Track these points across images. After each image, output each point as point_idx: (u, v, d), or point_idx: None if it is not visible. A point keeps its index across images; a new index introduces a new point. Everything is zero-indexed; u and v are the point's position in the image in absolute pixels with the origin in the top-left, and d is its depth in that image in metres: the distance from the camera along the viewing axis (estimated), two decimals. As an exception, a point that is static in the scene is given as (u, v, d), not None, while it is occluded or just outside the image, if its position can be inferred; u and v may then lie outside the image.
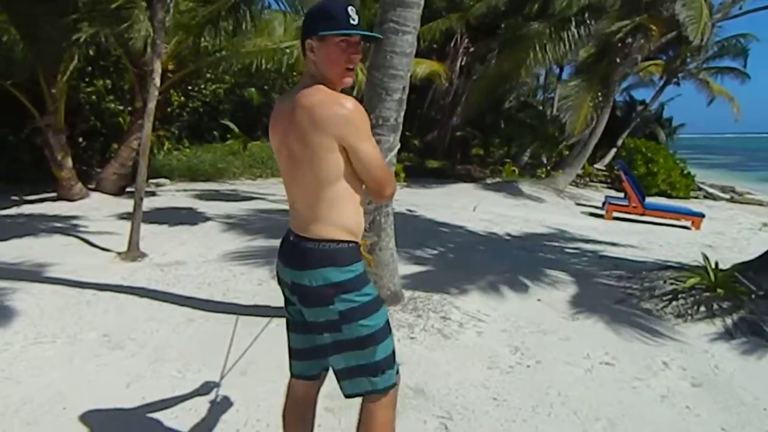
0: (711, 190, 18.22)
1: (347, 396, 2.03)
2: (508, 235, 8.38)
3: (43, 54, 8.30)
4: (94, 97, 11.56)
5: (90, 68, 11.11)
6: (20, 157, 10.45)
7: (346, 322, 1.91)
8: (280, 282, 2.11)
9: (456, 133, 17.42)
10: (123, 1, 7.30)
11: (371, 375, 1.97)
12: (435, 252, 6.72)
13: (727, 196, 17.77)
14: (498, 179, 16.02)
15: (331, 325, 1.93)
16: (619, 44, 14.01)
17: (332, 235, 1.92)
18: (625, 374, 3.69)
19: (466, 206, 11.09)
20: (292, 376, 2.23)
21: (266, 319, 4.17)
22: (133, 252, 5.96)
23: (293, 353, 2.20)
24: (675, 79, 19.65)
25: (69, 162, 9.20)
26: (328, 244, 1.91)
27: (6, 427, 2.75)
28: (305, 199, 1.95)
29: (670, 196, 15.74)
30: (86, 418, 2.83)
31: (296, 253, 1.95)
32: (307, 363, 2.17)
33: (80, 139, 11.47)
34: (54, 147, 8.93)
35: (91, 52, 9.63)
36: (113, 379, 3.28)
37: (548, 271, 5.94)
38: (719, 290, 4.85)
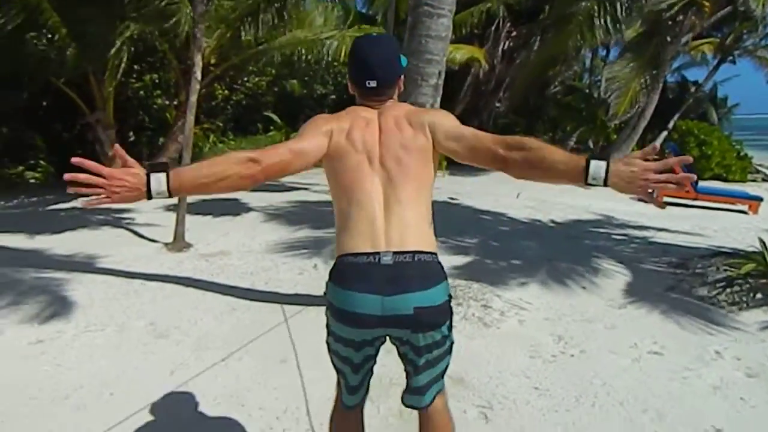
0: (770, 172, 17.37)
1: (424, 407, 1.93)
2: (552, 222, 8.20)
3: (92, 53, 8.55)
4: (141, 92, 11.86)
5: (137, 64, 11.39)
6: (73, 152, 10.78)
7: (450, 334, 1.87)
8: (363, 324, 1.76)
9: (499, 120, 17.14)
10: (167, -2, 7.44)
11: (442, 377, 1.94)
12: (476, 240, 6.63)
13: (788, 178, 16.90)
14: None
15: (440, 342, 1.83)
16: (670, 22, 13.44)
17: (434, 244, 1.84)
18: (675, 364, 3.55)
19: (509, 193, 10.90)
20: (348, 409, 2.02)
21: (307, 308, 4.20)
22: (179, 243, 6.11)
23: (351, 390, 1.97)
24: (730, 58, 18.73)
25: (118, 156, 9.47)
26: (436, 255, 1.82)
27: (56, 412, 2.85)
28: (417, 209, 1.79)
29: (725, 180, 15.10)
30: (132, 404, 2.91)
31: (417, 271, 1.73)
32: (362, 393, 2.02)
33: (129, 134, 11.80)
34: (104, 142, 9.23)
35: (136, 49, 9.87)
36: (159, 367, 3.36)
37: (594, 259, 5.78)
38: (777, 277, 4.62)
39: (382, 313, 1.72)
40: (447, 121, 1.89)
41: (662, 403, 3.08)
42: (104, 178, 1.58)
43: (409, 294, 1.71)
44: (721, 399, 3.17)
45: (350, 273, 1.75)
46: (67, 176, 1.56)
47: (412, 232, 1.77)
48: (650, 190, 1.64)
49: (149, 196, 1.60)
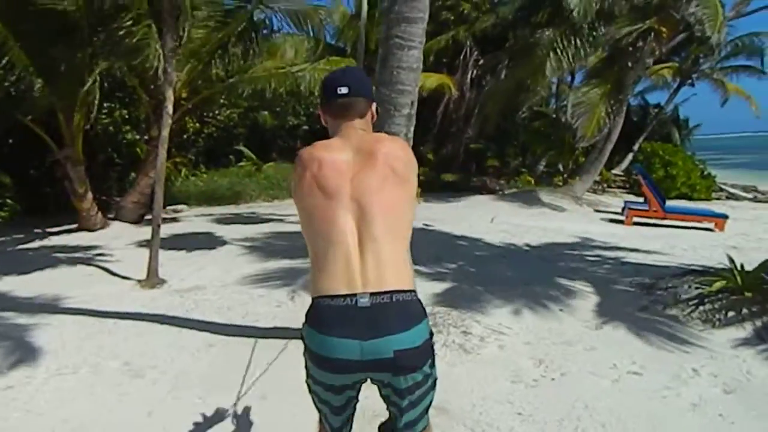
0: (733, 191, 17.88)
1: None
2: (527, 245, 8.29)
3: (61, 89, 8.46)
4: (111, 128, 11.72)
5: (106, 100, 11.30)
6: (41, 190, 10.64)
7: (433, 371, 1.83)
8: (342, 369, 1.73)
9: (470, 146, 17.38)
10: (137, 35, 7.43)
11: (427, 412, 1.91)
12: (453, 266, 6.66)
13: (750, 196, 17.42)
14: (514, 189, 15.92)
15: (422, 382, 1.79)
16: (630, 48, 13.90)
17: (412, 281, 1.81)
18: (654, 383, 3.59)
19: (483, 218, 11.01)
20: None
21: (285, 341, 4.15)
22: (152, 279, 6.00)
23: (336, 430, 1.95)
24: (689, 80, 19.42)
25: (88, 193, 9.33)
26: (415, 293, 1.79)
27: (29, 460, 2.75)
28: (393, 246, 1.77)
29: (691, 199, 15.50)
30: (108, 448, 2.83)
31: (395, 312, 1.69)
32: (347, 430, 1.99)
33: (98, 170, 11.64)
34: (73, 179, 9.07)
35: (106, 84, 9.81)
36: (135, 408, 3.28)
37: (570, 281, 5.85)
38: (747, 293, 4.73)
39: (360, 357, 1.68)
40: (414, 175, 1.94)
41: (643, 423, 3.10)
42: None
43: (388, 337, 1.68)
44: (700, 416, 3.21)
45: (327, 316, 1.72)
46: None
47: (389, 270, 1.74)
48: None
49: None
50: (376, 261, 1.73)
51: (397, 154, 1.90)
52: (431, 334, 1.81)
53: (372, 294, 1.69)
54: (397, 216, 1.83)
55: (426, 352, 1.78)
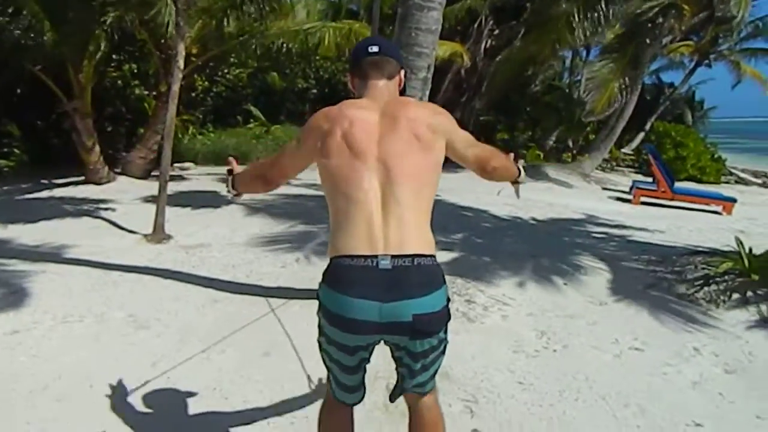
0: (743, 175, 17.76)
1: (418, 409, 1.94)
2: (534, 219, 8.26)
3: (70, 38, 8.36)
4: (119, 81, 11.64)
5: (116, 53, 11.18)
6: (49, 141, 10.61)
7: (446, 336, 1.84)
8: (359, 330, 1.72)
9: (480, 118, 17.21)
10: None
11: (436, 374, 1.93)
12: (458, 236, 6.64)
13: (760, 181, 17.31)
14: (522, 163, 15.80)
15: (436, 346, 1.80)
16: (649, 24, 13.64)
17: (434, 246, 1.79)
18: (656, 360, 3.60)
19: (491, 190, 10.95)
20: (347, 405, 2.00)
21: (289, 301, 4.17)
22: (158, 234, 6.01)
23: (349, 389, 1.94)
24: (706, 61, 19.08)
25: (96, 146, 9.31)
26: (435, 258, 1.78)
27: (36, 402, 2.79)
28: (416, 210, 1.76)
29: (700, 181, 15.40)
30: (113, 395, 2.86)
31: (416, 277, 1.69)
32: (360, 393, 2.00)
33: (106, 124, 11.58)
34: (81, 131, 9.03)
35: (116, 37, 9.69)
36: (140, 358, 3.31)
37: (575, 256, 5.83)
38: (753, 276, 4.71)
39: (379, 319, 1.67)
40: (450, 125, 1.94)
41: (643, 397, 3.12)
42: None
43: (408, 301, 1.67)
44: (700, 394, 3.22)
45: (346, 276, 1.70)
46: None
47: (412, 234, 1.72)
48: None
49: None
50: (399, 224, 1.71)
51: (422, 119, 1.86)
52: (448, 300, 1.81)
53: (393, 256, 1.67)
54: (422, 182, 1.80)
55: (443, 318, 1.78)
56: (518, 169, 2.23)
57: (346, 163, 1.78)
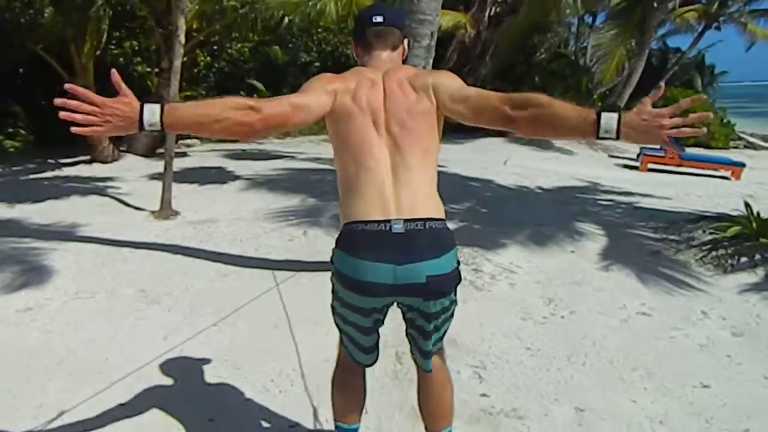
0: (752, 140, 17.55)
1: (428, 370, 1.97)
2: (540, 188, 8.23)
3: (71, 15, 8.30)
4: (121, 59, 11.55)
5: (116, 31, 11.08)
6: (54, 121, 10.55)
7: (456, 299, 1.87)
8: (375, 293, 1.74)
9: (486, 87, 17.00)
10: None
11: (443, 337, 1.96)
12: (465, 206, 6.64)
13: (769, 146, 17.12)
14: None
15: (448, 307, 1.84)
16: (656, -13, 13.38)
17: (443, 210, 1.82)
18: (663, 324, 3.62)
19: (496, 160, 10.92)
20: (365, 366, 2.04)
21: (298, 273, 4.20)
22: (165, 210, 6.04)
23: (365, 350, 1.98)
24: (715, 24, 18.70)
25: (100, 125, 9.28)
26: (445, 222, 1.80)
27: (51, 377, 2.84)
28: (425, 175, 1.77)
29: (708, 147, 15.22)
30: (127, 368, 2.90)
31: (429, 239, 1.71)
32: (375, 354, 2.03)
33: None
34: (85, 110, 9.01)
35: (114, 14, 9.59)
36: (151, 332, 3.35)
37: (581, 224, 5.82)
38: (762, 239, 4.69)
39: (394, 282, 1.70)
40: (452, 83, 1.85)
41: (651, 361, 3.14)
42: (97, 106, 1.51)
43: (422, 263, 1.69)
44: (707, 357, 3.24)
45: (360, 241, 1.72)
46: (58, 101, 1.49)
47: (422, 199, 1.75)
48: (667, 138, 1.53)
49: (141, 127, 1.52)
50: (410, 188, 1.74)
51: (427, 85, 1.84)
52: (458, 262, 1.83)
53: (406, 220, 1.70)
54: (427, 146, 1.82)
55: (455, 279, 1.81)
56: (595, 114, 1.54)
57: (356, 129, 1.78)
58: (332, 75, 1.88)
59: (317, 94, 1.78)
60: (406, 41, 2.03)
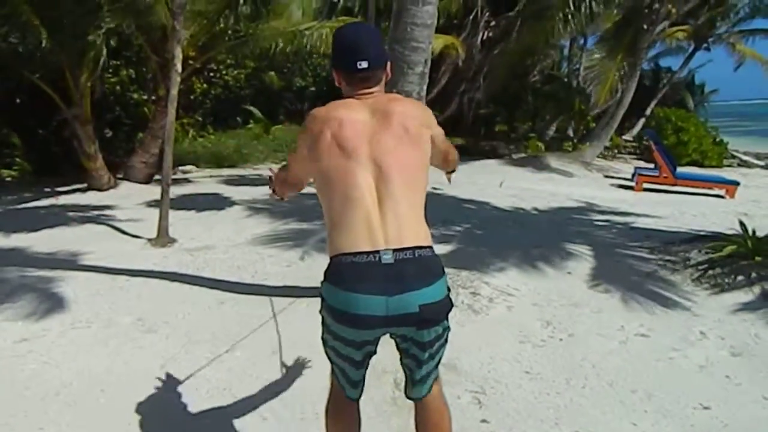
0: (745, 158, 17.68)
1: (421, 398, 1.96)
2: (536, 209, 8.26)
3: (68, 46, 8.38)
4: (118, 87, 11.66)
5: (113, 59, 11.21)
6: (50, 149, 10.63)
7: (449, 326, 1.88)
8: (367, 325, 1.74)
9: (479, 110, 17.17)
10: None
11: (438, 365, 1.95)
12: (461, 229, 6.66)
13: (762, 163, 17.22)
14: (523, 154, 15.79)
15: (441, 335, 1.85)
16: (646, 10, 13.59)
17: (430, 238, 1.83)
18: (661, 345, 3.61)
19: (492, 182, 10.96)
20: (354, 401, 2.03)
21: (296, 300, 4.19)
22: (162, 238, 6.04)
23: (354, 384, 1.97)
24: (705, 44, 18.99)
25: (97, 153, 9.32)
26: (433, 249, 1.82)
27: (47, 409, 2.82)
28: (410, 203, 1.79)
29: (702, 165, 15.34)
30: (124, 398, 2.89)
31: (419, 268, 1.72)
32: (361, 387, 2.02)
33: (106, 130, 11.61)
34: (82, 138, 9.05)
35: (113, 43, 9.71)
36: (149, 361, 3.33)
37: (578, 245, 5.84)
38: (757, 258, 4.71)
39: (386, 313, 1.70)
40: (433, 121, 2.00)
41: (650, 382, 3.13)
42: None
43: (413, 292, 1.70)
44: (707, 377, 3.24)
45: (350, 273, 1.72)
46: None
47: (409, 227, 1.76)
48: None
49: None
50: (396, 218, 1.75)
51: (410, 114, 1.91)
52: (449, 289, 1.84)
53: (395, 250, 1.71)
54: (414, 175, 1.84)
55: (447, 306, 1.81)
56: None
57: (338, 164, 1.80)
58: (312, 117, 1.91)
59: (303, 165, 2.01)
60: (388, 66, 2.01)
